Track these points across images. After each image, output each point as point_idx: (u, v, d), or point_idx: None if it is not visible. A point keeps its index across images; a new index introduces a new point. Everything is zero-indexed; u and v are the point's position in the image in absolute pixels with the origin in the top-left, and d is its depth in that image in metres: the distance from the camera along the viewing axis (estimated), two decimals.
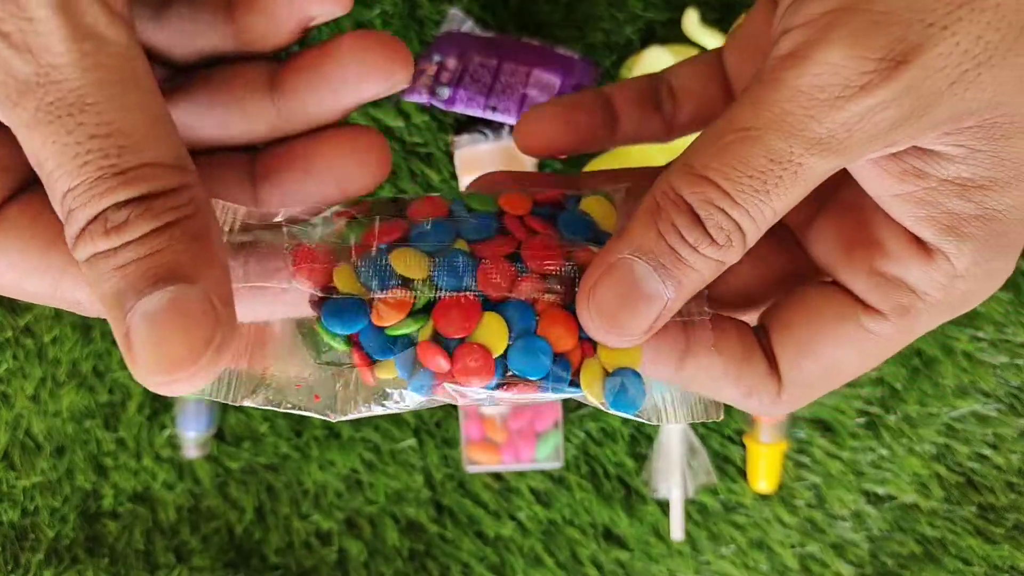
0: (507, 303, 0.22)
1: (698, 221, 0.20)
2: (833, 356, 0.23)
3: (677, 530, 0.57)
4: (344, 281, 0.21)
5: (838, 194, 0.24)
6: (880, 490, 0.59)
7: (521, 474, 0.59)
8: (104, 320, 0.60)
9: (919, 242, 0.21)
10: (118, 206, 0.17)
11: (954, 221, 0.20)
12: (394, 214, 0.22)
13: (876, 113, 0.18)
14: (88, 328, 0.58)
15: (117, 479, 0.59)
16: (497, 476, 0.59)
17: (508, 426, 0.57)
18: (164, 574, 0.58)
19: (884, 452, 0.58)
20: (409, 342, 0.21)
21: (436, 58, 0.52)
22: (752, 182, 0.19)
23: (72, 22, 0.17)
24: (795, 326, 0.23)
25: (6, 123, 0.18)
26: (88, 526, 0.59)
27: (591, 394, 0.22)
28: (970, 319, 0.57)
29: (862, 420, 0.58)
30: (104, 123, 0.17)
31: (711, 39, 0.53)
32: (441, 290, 0.21)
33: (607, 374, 0.22)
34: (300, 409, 0.21)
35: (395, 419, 0.59)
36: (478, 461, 0.58)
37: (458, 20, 0.55)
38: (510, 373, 0.21)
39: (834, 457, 0.58)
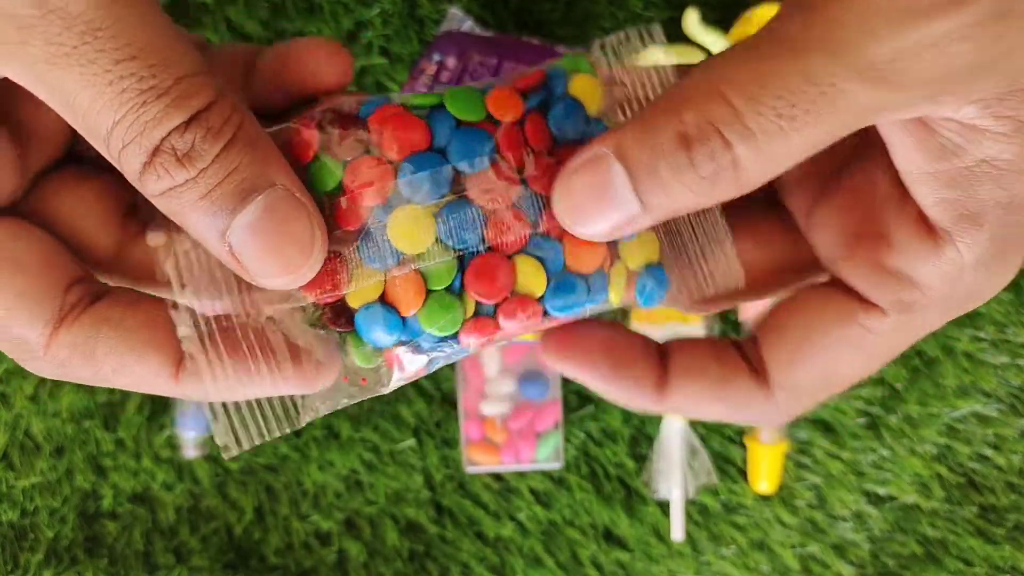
0: (530, 242, 0.20)
1: (688, 146, 0.17)
2: (830, 359, 0.21)
3: (677, 531, 0.57)
4: (362, 283, 0.20)
5: (844, 179, 0.22)
6: (881, 490, 0.59)
7: (521, 475, 0.59)
8: None
9: (929, 231, 0.19)
10: (179, 131, 0.17)
11: (978, 207, 0.18)
12: (352, 126, 0.20)
13: (952, 44, 0.16)
14: None
15: (116, 479, 0.59)
16: (497, 477, 0.59)
17: (508, 427, 0.57)
18: (163, 574, 0.58)
19: (885, 452, 0.58)
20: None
21: (436, 57, 0.52)
22: (775, 104, 0.16)
23: None
24: (788, 329, 0.22)
25: (17, 70, 0.17)
26: (87, 526, 0.59)
27: (621, 302, 0.21)
28: (971, 319, 0.57)
29: (863, 420, 0.58)
30: (124, 45, 0.16)
31: (711, 39, 0.53)
32: (461, 253, 0.20)
33: (631, 275, 0.21)
34: (354, 399, 0.21)
35: (395, 419, 0.59)
36: (478, 462, 0.58)
37: (458, 19, 0.55)
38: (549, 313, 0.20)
39: (835, 457, 0.58)
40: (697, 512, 0.59)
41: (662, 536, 0.59)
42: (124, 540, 0.59)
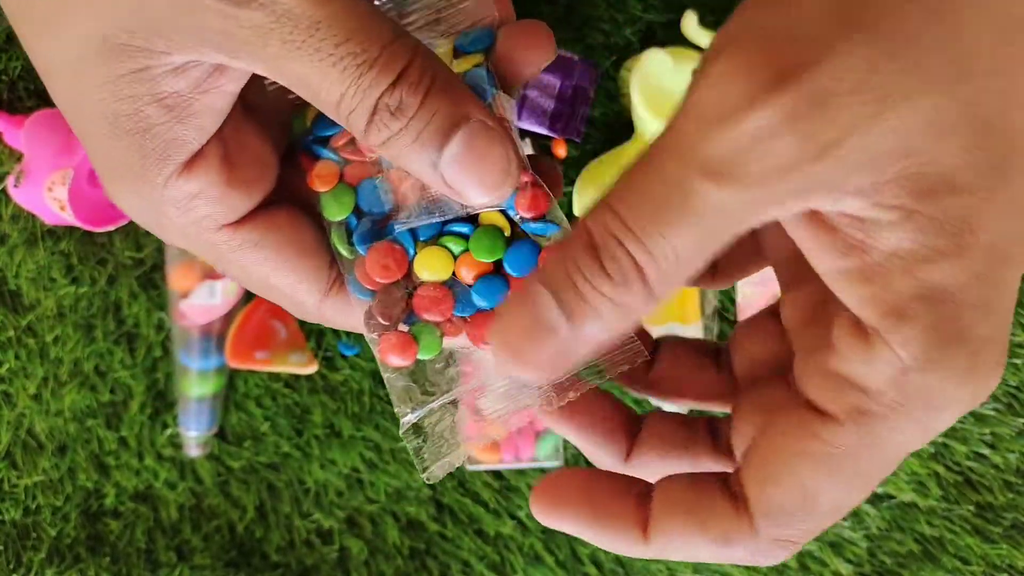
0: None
1: (595, 254, 0.19)
2: (799, 478, 0.20)
3: None
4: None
5: (804, 288, 0.23)
6: (878, 489, 0.59)
7: (521, 472, 0.59)
8: (106, 319, 0.60)
9: (861, 331, 0.19)
10: (389, 91, 0.20)
11: (898, 300, 0.18)
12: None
13: (769, 139, 0.17)
14: (90, 328, 0.58)
15: (119, 478, 0.59)
16: (497, 475, 0.59)
17: None
18: (166, 573, 0.59)
19: None
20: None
21: None
22: (647, 208, 0.18)
23: None
24: (759, 449, 0.21)
25: (261, 67, 0.21)
26: (90, 525, 0.59)
27: None
28: None
29: None
30: (338, 32, 0.20)
31: (710, 41, 0.53)
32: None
33: None
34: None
35: (395, 418, 0.59)
36: (478, 460, 0.58)
37: None
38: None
39: None
40: None
41: None
42: (126, 538, 0.59)
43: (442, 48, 0.25)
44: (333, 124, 0.25)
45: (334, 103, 0.21)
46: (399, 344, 0.24)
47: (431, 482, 0.24)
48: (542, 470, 0.59)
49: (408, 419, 0.25)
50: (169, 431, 0.59)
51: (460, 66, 0.24)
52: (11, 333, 0.58)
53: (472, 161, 0.21)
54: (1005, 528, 0.59)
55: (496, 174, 0.22)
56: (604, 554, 0.59)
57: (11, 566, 0.58)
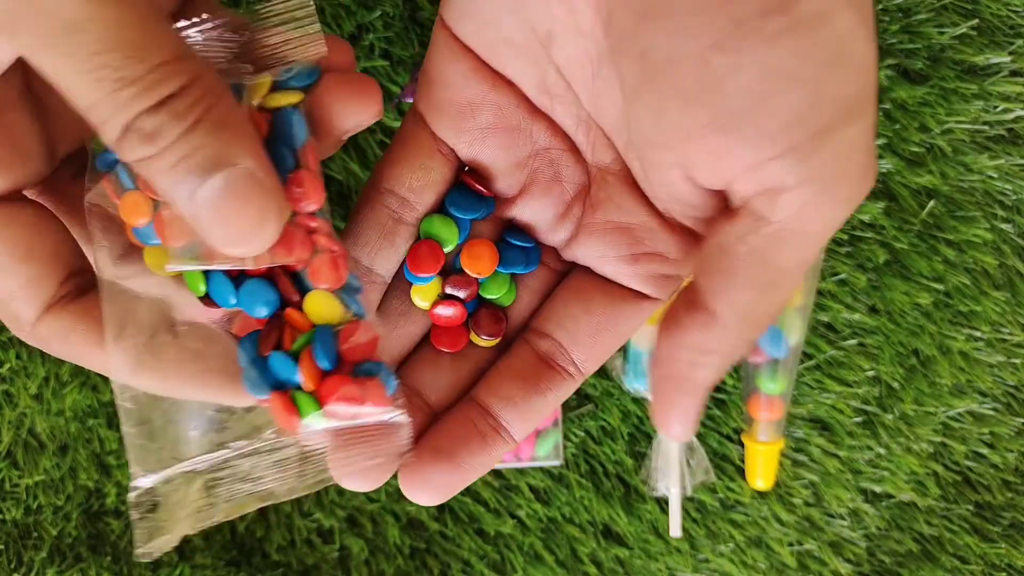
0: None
1: None
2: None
3: (675, 527, 0.57)
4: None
5: None
6: (877, 488, 0.59)
7: (521, 472, 0.59)
8: None
9: None
10: (148, 113, 0.19)
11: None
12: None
13: None
14: None
15: (120, 477, 0.59)
16: (497, 474, 0.59)
17: None
18: (166, 572, 0.59)
19: (881, 451, 0.59)
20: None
21: None
22: None
23: None
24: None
25: (19, 51, 0.19)
26: (91, 524, 0.59)
27: None
28: (967, 318, 0.58)
29: (859, 419, 0.59)
30: (101, 39, 0.18)
31: None
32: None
33: None
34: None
35: None
36: None
37: None
38: None
39: (831, 456, 0.59)
40: (695, 509, 0.59)
41: (660, 533, 0.59)
42: (127, 538, 0.59)
43: (263, 79, 0.22)
44: None
45: (84, 109, 0.19)
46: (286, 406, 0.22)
47: (144, 560, 0.21)
48: (542, 469, 0.59)
49: (141, 483, 0.22)
50: None
51: (275, 100, 0.22)
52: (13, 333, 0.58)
53: (224, 208, 0.20)
54: (1004, 527, 0.59)
55: (245, 228, 0.20)
56: (604, 553, 0.59)
57: (12, 565, 0.59)
